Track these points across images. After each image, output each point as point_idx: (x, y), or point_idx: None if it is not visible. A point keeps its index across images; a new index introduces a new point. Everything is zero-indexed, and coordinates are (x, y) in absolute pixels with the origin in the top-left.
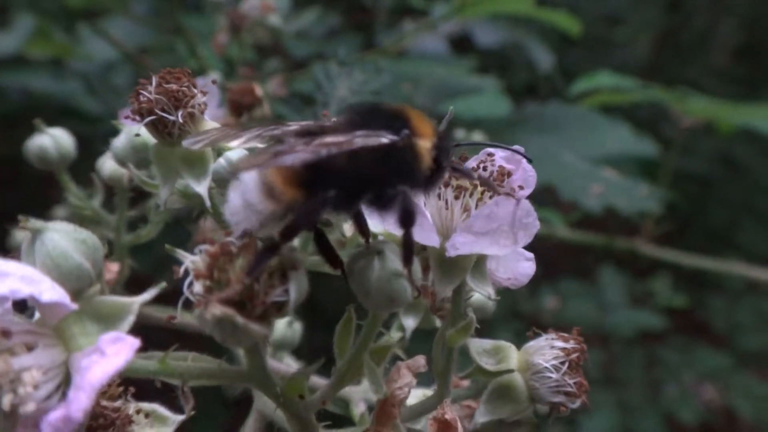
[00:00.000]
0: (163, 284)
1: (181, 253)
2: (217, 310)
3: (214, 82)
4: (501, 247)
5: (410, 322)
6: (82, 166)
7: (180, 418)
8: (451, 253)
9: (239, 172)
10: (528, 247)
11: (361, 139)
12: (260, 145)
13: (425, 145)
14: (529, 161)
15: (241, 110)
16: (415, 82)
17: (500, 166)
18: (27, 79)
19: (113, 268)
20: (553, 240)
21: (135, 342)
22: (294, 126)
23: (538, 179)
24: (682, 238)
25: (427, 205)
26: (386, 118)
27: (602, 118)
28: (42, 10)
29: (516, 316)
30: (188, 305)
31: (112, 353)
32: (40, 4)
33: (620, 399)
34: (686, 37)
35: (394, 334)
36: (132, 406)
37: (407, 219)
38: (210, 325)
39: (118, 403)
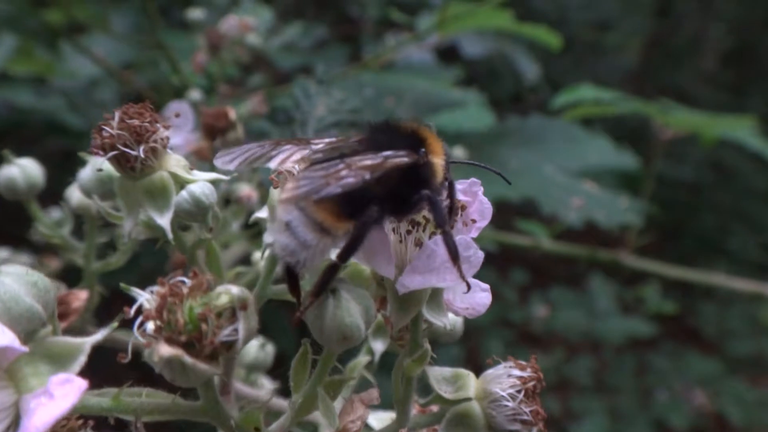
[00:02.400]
0: (115, 325)
1: (135, 291)
2: (164, 350)
3: (191, 103)
4: (448, 281)
5: (379, 346)
6: (66, 180)
7: None
8: (402, 291)
9: (288, 203)
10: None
11: (391, 161)
12: (293, 168)
13: (439, 161)
14: (508, 183)
15: (215, 134)
16: (398, 96)
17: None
18: (12, 95)
19: (82, 296)
20: (537, 252)
21: (83, 384)
22: (320, 144)
23: (519, 192)
24: (671, 244)
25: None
26: (404, 137)
27: (583, 131)
28: (24, 28)
29: (506, 324)
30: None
31: (59, 396)
32: (22, 22)
33: (611, 405)
34: (675, 43)
35: (363, 358)
36: None
37: (440, 219)
38: (159, 364)
39: None
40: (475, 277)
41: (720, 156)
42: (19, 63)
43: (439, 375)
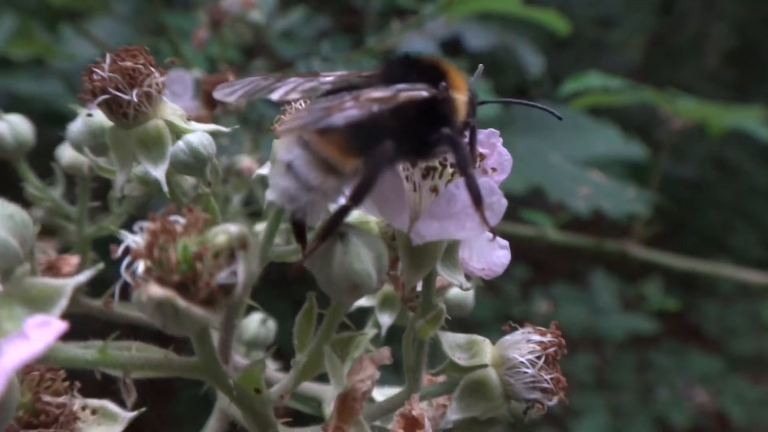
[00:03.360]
0: (101, 265)
1: (123, 233)
2: (155, 291)
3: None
4: (468, 230)
5: (386, 319)
6: None
7: (130, 415)
8: (417, 241)
9: (287, 135)
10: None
11: (405, 94)
12: (297, 98)
13: (461, 98)
14: (559, 119)
15: (214, 102)
16: None
17: None
18: (12, 83)
19: (73, 261)
20: (543, 242)
21: (61, 326)
22: (330, 77)
23: (525, 180)
24: (674, 240)
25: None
26: (423, 70)
27: (590, 120)
28: (24, 8)
29: (508, 320)
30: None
31: (35, 337)
32: (22, 2)
33: (612, 403)
34: (678, 41)
35: (369, 331)
36: (77, 403)
37: (462, 160)
38: (149, 309)
39: (62, 399)
40: None
41: (723, 153)
42: (19, 44)
43: (452, 341)
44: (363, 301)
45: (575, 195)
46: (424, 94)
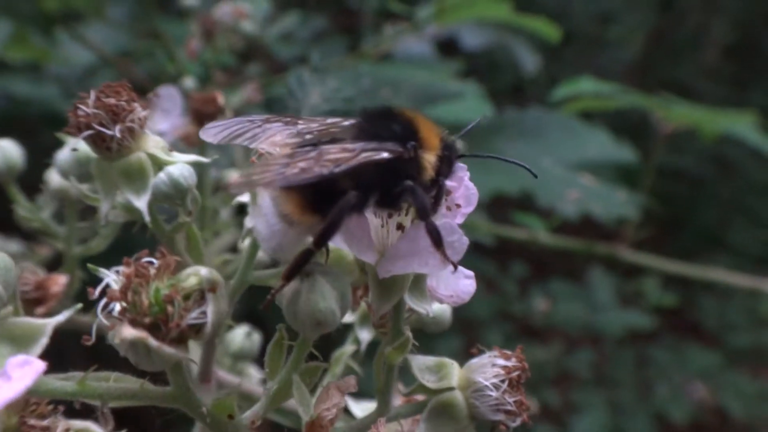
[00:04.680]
0: (80, 306)
1: (102, 272)
2: (128, 332)
3: (184, 90)
4: (431, 266)
5: (365, 335)
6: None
7: None
8: (384, 275)
9: (240, 192)
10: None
11: (366, 154)
12: (272, 150)
13: (429, 158)
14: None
15: (203, 119)
16: (395, 87)
17: None
18: (8, 85)
19: (61, 281)
20: (535, 245)
21: (41, 366)
22: (313, 123)
23: (517, 184)
24: (672, 238)
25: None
26: (396, 126)
27: (582, 124)
28: (19, 14)
29: (506, 318)
30: None
31: (16, 377)
32: (17, 7)
33: (611, 399)
34: (678, 37)
35: (349, 348)
36: (62, 425)
37: (422, 210)
38: (123, 347)
39: (46, 422)
40: (467, 266)
41: (721, 149)
42: (14, 49)
43: (422, 364)
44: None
45: (564, 199)
46: (385, 155)
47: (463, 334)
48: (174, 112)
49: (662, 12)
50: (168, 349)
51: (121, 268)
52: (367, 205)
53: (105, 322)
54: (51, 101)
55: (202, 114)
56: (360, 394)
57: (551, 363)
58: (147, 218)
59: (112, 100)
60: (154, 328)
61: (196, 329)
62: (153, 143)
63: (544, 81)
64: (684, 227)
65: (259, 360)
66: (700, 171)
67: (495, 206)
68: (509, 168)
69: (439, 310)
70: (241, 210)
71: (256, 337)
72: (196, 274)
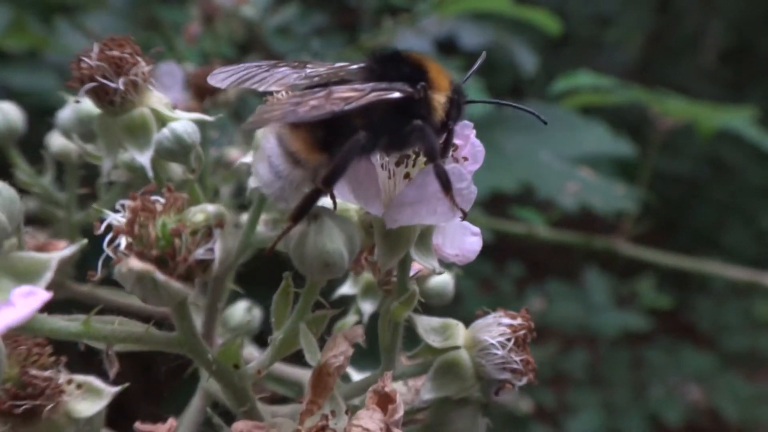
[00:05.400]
0: (85, 241)
1: (105, 211)
2: (135, 264)
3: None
4: (439, 215)
5: (367, 306)
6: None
7: (114, 390)
8: (391, 225)
9: (253, 128)
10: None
11: (375, 93)
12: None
13: (440, 99)
14: (545, 123)
15: (203, 94)
16: None
17: None
18: (7, 77)
19: (61, 246)
20: (535, 240)
21: (46, 295)
22: (321, 68)
23: (516, 178)
24: (668, 238)
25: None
26: (405, 67)
27: (580, 118)
28: (18, 2)
29: None
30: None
31: (21, 305)
32: None
33: (606, 399)
34: (675, 39)
35: (351, 319)
36: (63, 377)
37: (431, 150)
38: (129, 281)
39: (48, 373)
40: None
41: (717, 151)
42: (13, 37)
43: (427, 325)
44: (345, 289)
45: (563, 192)
46: (396, 95)
47: None
48: (174, 87)
49: (659, 14)
50: (175, 284)
51: (127, 202)
52: (376, 146)
53: (111, 255)
54: (48, 93)
55: (202, 89)
56: (363, 367)
57: (546, 363)
58: (150, 174)
59: (115, 53)
60: (161, 263)
61: (204, 266)
62: (156, 99)
63: (542, 82)
64: (679, 228)
65: (258, 338)
66: (695, 173)
67: (493, 204)
68: (507, 163)
69: (442, 282)
70: (240, 192)
71: (257, 312)
72: (203, 211)
